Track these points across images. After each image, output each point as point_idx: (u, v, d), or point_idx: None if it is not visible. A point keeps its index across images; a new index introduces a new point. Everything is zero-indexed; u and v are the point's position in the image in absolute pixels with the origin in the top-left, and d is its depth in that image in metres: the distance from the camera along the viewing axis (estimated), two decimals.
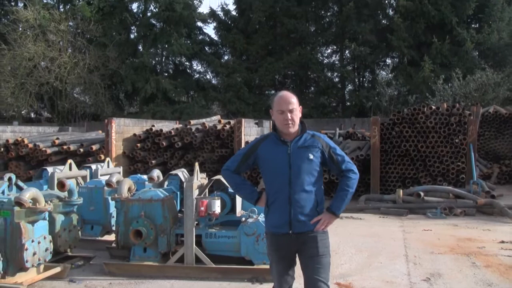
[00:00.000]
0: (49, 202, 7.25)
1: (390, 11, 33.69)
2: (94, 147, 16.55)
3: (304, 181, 4.34)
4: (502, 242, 9.83)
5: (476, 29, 29.73)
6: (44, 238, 7.11)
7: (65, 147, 16.80)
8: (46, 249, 7.13)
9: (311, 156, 4.38)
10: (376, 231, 10.87)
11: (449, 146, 15.06)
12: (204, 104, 33.64)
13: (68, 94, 32.36)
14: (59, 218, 7.86)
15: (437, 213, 12.78)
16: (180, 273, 7.42)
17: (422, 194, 13.59)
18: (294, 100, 4.43)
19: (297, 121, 4.43)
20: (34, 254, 6.86)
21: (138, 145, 16.81)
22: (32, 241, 6.84)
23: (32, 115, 35.10)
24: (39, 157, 16.74)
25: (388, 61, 35.74)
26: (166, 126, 18.09)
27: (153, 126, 17.40)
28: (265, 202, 4.51)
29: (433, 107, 15.50)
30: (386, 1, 33.17)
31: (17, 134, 19.90)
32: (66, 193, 8.12)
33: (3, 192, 8.07)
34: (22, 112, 32.00)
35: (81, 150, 16.69)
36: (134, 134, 17.09)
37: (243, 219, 7.62)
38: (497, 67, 27.77)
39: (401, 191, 13.88)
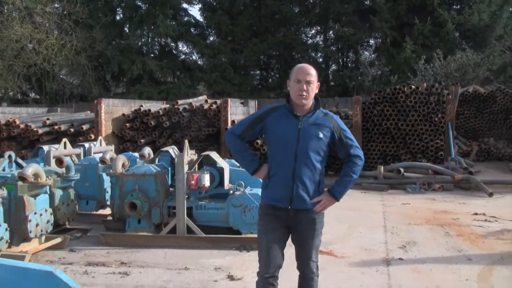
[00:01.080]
0: (49, 177, 7.73)
1: None
2: (84, 127, 16.89)
3: (310, 158, 4.26)
4: (475, 214, 10.39)
5: (457, 10, 30.05)
6: (46, 210, 7.59)
7: (56, 127, 17.13)
8: (48, 221, 7.62)
9: (321, 135, 4.29)
10: (357, 205, 11.39)
11: (428, 124, 15.55)
12: (190, 85, 33.87)
13: (56, 76, 32.45)
14: (58, 193, 8.31)
15: (416, 188, 13.30)
16: (173, 242, 7.92)
17: (402, 170, 14.09)
18: (313, 72, 4.33)
19: (312, 95, 4.34)
20: (37, 225, 7.34)
21: (127, 124, 17.13)
22: (35, 213, 7.31)
23: (19, 96, 35.20)
24: (30, 137, 17.06)
25: (371, 41, 36.16)
26: (154, 106, 18.43)
27: (141, 106, 17.73)
28: (266, 174, 4.43)
29: (413, 86, 15.96)
30: None
31: (6, 115, 20.16)
32: (63, 169, 8.59)
33: (3, 169, 8.50)
34: (10, 93, 32.12)
35: (72, 130, 17.03)
36: (123, 114, 17.41)
37: (231, 192, 8.14)
38: (477, 48, 28.20)
39: (382, 167, 14.40)
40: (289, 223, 4.35)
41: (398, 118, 15.69)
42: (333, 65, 36.77)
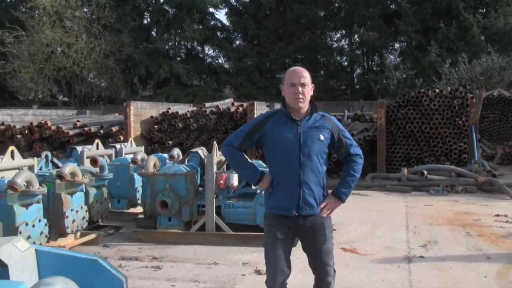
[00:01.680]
0: (85, 176, 8.12)
1: None
2: (114, 129, 17.31)
3: (315, 163, 4.17)
4: (497, 215, 10.53)
5: (483, 14, 30.11)
6: (81, 207, 8.00)
7: (86, 129, 17.57)
8: (83, 218, 8.02)
9: (322, 137, 4.20)
10: (380, 206, 11.63)
11: (452, 128, 15.70)
12: (216, 88, 34.37)
13: (85, 79, 33.15)
14: (92, 191, 8.73)
15: (439, 190, 13.45)
16: (202, 239, 8.26)
17: (425, 172, 14.20)
18: (306, 75, 4.24)
19: (308, 97, 4.24)
20: (73, 221, 7.74)
21: (155, 126, 17.49)
22: (71, 210, 7.72)
23: (49, 99, 35.94)
24: (61, 139, 17.49)
25: (396, 45, 36.32)
26: (181, 108, 18.79)
27: (169, 108, 18.09)
28: (269, 183, 4.31)
29: (437, 90, 16.10)
30: None
31: (38, 117, 20.73)
32: (97, 169, 8.99)
33: (41, 168, 8.92)
34: (39, 96, 32.83)
35: (101, 131, 17.44)
36: (151, 117, 17.79)
37: (258, 191, 8.46)
38: (502, 52, 28.28)
39: (405, 169, 14.56)
40: (297, 232, 4.29)
41: (422, 121, 15.86)
42: (358, 69, 37.05)
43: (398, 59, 35.34)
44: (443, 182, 13.87)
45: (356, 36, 35.71)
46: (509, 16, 29.44)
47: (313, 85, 4.33)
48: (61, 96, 37.54)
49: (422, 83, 27.97)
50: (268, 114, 4.38)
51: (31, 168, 8.13)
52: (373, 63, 37.01)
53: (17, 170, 7.29)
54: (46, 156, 9.19)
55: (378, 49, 35.01)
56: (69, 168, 7.69)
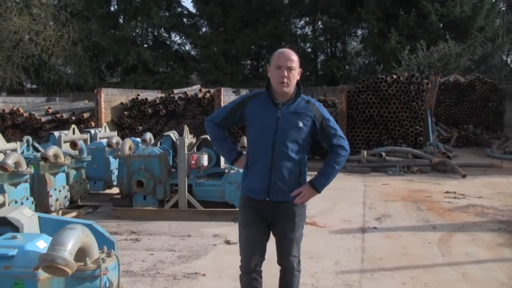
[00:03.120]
0: (66, 158, 8.77)
1: None
2: (85, 115, 17.83)
3: (289, 149, 4.05)
4: (447, 192, 11.45)
5: (441, 2, 30.88)
6: (64, 187, 8.68)
7: (58, 115, 18.05)
8: (65, 197, 8.71)
9: (301, 124, 4.07)
10: (340, 186, 12.34)
11: (408, 112, 16.54)
12: (184, 74, 34.73)
13: (53, 66, 33.35)
14: (72, 173, 9.39)
15: (396, 171, 14.33)
16: (175, 215, 8.98)
17: (383, 154, 15.07)
18: (294, 57, 4.08)
19: (294, 82, 4.09)
20: (57, 200, 8.41)
21: (125, 113, 18.03)
22: (55, 189, 8.39)
23: (16, 86, 36.06)
24: (33, 125, 17.89)
25: (358, 32, 37.04)
26: (150, 95, 19.36)
27: (139, 95, 18.63)
28: (244, 164, 4.29)
29: (394, 76, 16.89)
30: None
31: (8, 104, 21.04)
32: (76, 152, 9.64)
33: (22, 152, 9.52)
34: (7, 83, 32.94)
35: (73, 118, 17.92)
36: (121, 103, 18.31)
37: (226, 170, 9.25)
38: (459, 39, 29.19)
39: (365, 152, 15.40)
40: (268, 216, 4.20)
41: (380, 106, 16.65)
42: (321, 55, 37.63)
43: (360, 45, 36.22)
44: (400, 163, 14.73)
45: (319, 23, 36.54)
46: (465, 4, 30.38)
47: (300, 69, 4.19)
48: (28, 84, 37.61)
49: (383, 69, 28.84)
50: (251, 94, 4.32)
51: (14, 151, 8.74)
52: (336, 49, 37.73)
53: (1, 153, 7.95)
54: (28, 141, 9.79)
55: (340, 36, 35.83)
56: (52, 150, 8.34)
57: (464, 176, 13.46)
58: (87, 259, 3.15)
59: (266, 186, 4.09)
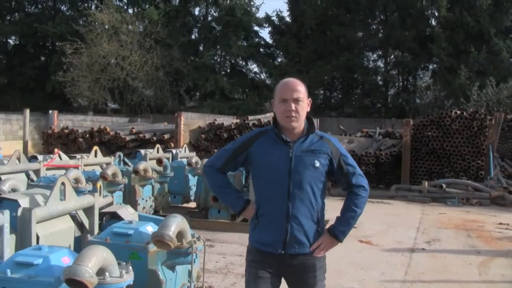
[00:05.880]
0: (153, 172, 10.11)
1: (432, 21, 35.32)
2: (166, 136, 19.33)
3: (307, 194, 3.55)
4: (500, 223, 12.01)
5: None
6: (150, 198, 10.00)
7: (141, 135, 19.65)
8: (150, 206, 10.01)
9: (317, 164, 3.57)
10: (399, 212, 13.29)
11: (470, 146, 17.08)
12: (258, 102, 36.08)
13: (136, 88, 35.44)
14: (156, 186, 10.69)
15: (455, 202, 14.86)
16: (245, 229, 10.01)
17: (444, 185, 15.66)
18: (301, 88, 3.62)
19: (303, 115, 3.61)
20: (143, 208, 9.72)
21: (202, 136, 19.22)
22: (143, 199, 9.70)
23: (100, 106, 38.32)
24: (118, 143, 19.52)
25: (430, 66, 37.34)
26: (226, 120, 20.64)
27: (215, 120, 19.91)
28: (254, 214, 3.71)
29: (458, 112, 17.50)
30: (429, 12, 34.73)
31: (95, 123, 22.98)
32: (161, 168, 10.97)
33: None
34: (94, 103, 35.05)
35: (154, 138, 19.46)
36: (199, 127, 19.61)
37: None
38: None
39: (426, 182, 15.98)
40: (283, 271, 3.66)
41: (443, 139, 17.26)
42: (392, 89, 38.26)
43: (430, 80, 36.64)
44: (459, 195, 15.25)
45: (391, 57, 37.24)
46: None
47: (310, 99, 3.74)
48: (111, 104, 39.85)
49: (452, 104, 29.27)
50: (256, 132, 3.78)
51: (109, 164, 10.15)
52: (406, 83, 38.16)
53: (98, 166, 9.34)
54: (119, 156, 11.23)
55: (411, 70, 36.34)
56: (142, 165, 9.68)
57: None
58: (183, 240, 4.34)
59: (283, 238, 3.54)
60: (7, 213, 4.11)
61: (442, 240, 10.14)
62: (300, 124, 3.61)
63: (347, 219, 3.66)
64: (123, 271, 3.31)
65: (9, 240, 4.18)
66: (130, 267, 3.32)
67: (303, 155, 3.55)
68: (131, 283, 3.34)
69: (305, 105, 3.61)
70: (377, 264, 8.04)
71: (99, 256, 3.20)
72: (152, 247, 4.29)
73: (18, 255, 3.44)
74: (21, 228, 4.39)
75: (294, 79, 3.70)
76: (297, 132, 3.62)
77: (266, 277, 3.61)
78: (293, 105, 3.53)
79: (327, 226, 3.71)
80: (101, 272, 3.20)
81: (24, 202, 4.71)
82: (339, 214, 3.71)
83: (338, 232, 3.65)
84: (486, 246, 9.77)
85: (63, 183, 4.92)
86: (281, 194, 3.51)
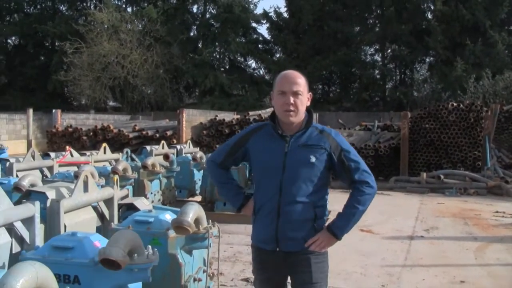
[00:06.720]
0: (161, 167, 10.47)
1: (428, 14, 35.75)
2: (168, 133, 19.65)
3: (300, 190, 3.41)
4: (497, 212, 12.34)
5: (508, 31, 31.60)
6: (158, 192, 10.36)
7: (143, 132, 19.99)
8: (159, 200, 10.36)
9: (313, 159, 3.41)
10: (398, 203, 13.64)
11: (467, 138, 17.44)
12: (257, 97, 36.58)
13: (136, 86, 35.81)
14: (164, 180, 11.05)
15: (453, 192, 15.21)
16: (250, 220, 10.47)
17: (442, 176, 15.97)
18: (301, 81, 3.47)
19: (302, 109, 3.47)
20: (152, 202, 10.06)
21: (204, 132, 19.55)
22: (151, 193, 10.07)
23: (101, 104, 38.64)
24: (121, 141, 19.80)
25: (427, 59, 37.78)
26: (227, 116, 20.90)
27: (216, 116, 20.17)
28: (253, 210, 3.67)
29: (455, 104, 17.83)
30: (425, 6, 35.23)
31: (97, 121, 23.31)
32: (168, 163, 11.34)
33: None
34: (95, 101, 35.38)
35: (157, 135, 19.78)
36: (201, 123, 19.94)
37: None
38: None
39: (424, 174, 16.36)
40: (283, 270, 3.59)
41: (441, 131, 17.62)
42: (389, 82, 38.79)
43: (426, 73, 37.20)
44: (457, 185, 15.60)
45: (388, 51, 37.77)
46: None
47: (310, 93, 3.60)
48: (111, 102, 40.18)
49: (449, 97, 29.72)
50: (254, 127, 3.72)
51: (117, 160, 10.52)
52: (404, 76, 38.70)
53: (107, 162, 9.71)
54: (127, 152, 11.59)
55: (408, 63, 36.83)
56: (150, 160, 10.05)
57: None
58: (200, 226, 4.71)
59: (274, 234, 3.46)
60: (37, 204, 4.49)
61: (440, 228, 10.50)
62: (298, 118, 3.48)
63: (347, 216, 3.48)
64: (149, 253, 3.52)
65: (39, 229, 4.56)
66: (156, 249, 3.61)
67: (299, 150, 3.43)
68: (156, 264, 3.56)
69: (304, 99, 3.48)
70: (378, 251, 8.42)
71: (129, 239, 3.39)
72: (172, 233, 4.65)
73: (54, 240, 3.75)
74: (50, 218, 4.74)
75: (294, 71, 3.56)
76: (295, 126, 3.50)
77: (269, 275, 3.61)
78: (291, 99, 3.40)
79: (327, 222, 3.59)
80: (130, 253, 3.39)
81: (51, 195, 5.05)
82: (341, 210, 3.57)
83: (336, 228, 3.47)
84: (482, 232, 10.13)
85: (86, 176, 5.29)
86: (274, 189, 3.43)
